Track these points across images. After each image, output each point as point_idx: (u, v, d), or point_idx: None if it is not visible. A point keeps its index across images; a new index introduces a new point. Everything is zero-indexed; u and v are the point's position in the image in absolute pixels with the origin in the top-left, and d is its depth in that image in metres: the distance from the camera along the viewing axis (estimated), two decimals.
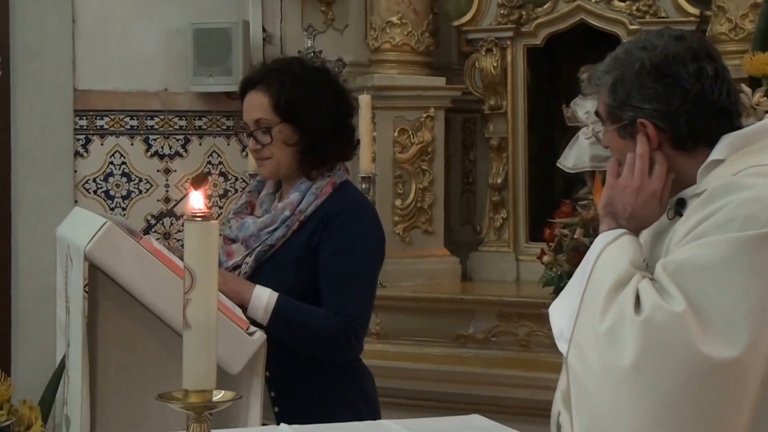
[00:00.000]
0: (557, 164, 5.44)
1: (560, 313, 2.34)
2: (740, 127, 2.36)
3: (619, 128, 2.38)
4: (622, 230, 2.34)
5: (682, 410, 2.12)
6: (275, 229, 3.22)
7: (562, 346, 2.30)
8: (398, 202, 5.55)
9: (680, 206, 2.35)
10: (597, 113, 2.45)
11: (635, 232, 2.36)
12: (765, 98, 4.57)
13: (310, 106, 3.21)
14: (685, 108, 2.31)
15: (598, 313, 2.21)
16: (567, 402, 2.27)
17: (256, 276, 3.21)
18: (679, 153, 2.35)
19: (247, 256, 3.24)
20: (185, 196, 2.03)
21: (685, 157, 2.35)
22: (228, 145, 5.94)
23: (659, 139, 2.34)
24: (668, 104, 2.32)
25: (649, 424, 2.13)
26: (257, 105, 3.24)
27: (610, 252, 2.29)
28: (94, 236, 2.76)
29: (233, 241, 3.30)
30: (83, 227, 2.91)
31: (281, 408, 3.19)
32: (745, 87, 4.60)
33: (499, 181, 5.60)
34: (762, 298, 2.14)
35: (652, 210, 2.35)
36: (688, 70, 2.32)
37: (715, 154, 2.32)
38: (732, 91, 2.36)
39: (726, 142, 2.32)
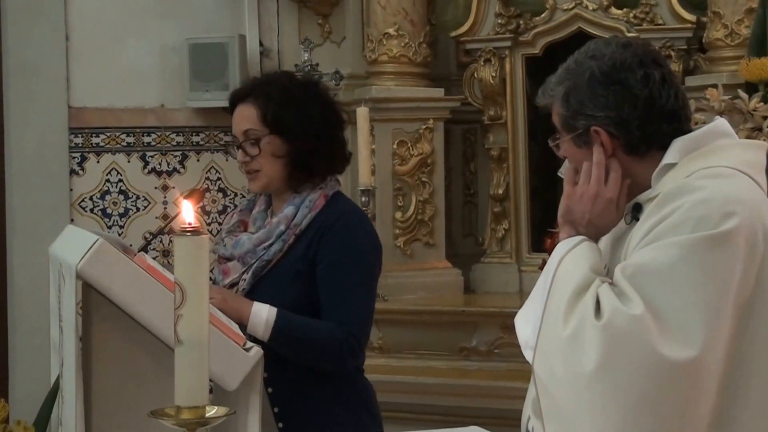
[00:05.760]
0: (558, 174, 5.39)
1: (525, 322, 2.41)
2: (690, 130, 2.43)
3: (574, 138, 2.45)
4: (581, 237, 2.41)
5: (645, 412, 2.18)
6: (271, 244, 3.21)
7: (528, 355, 2.36)
8: (398, 215, 5.53)
9: (637, 211, 2.42)
10: (552, 124, 2.51)
11: (594, 238, 2.43)
12: (761, 103, 4.56)
13: (298, 118, 3.21)
14: (636, 114, 2.38)
15: (561, 320, 2.28)
16: (537, 409, 2.33)
17: (254, 292, 3.20)
18: (633, 158, 2.42)
19: (244, 272, 3.23)
20: (179, 213, 2.01)
21: (638, 162, 2.42)
22: (226, 160, 5.91)
23: (613, 146, 2.41)
24: (619, 111, 2.39)
25: (614, 427, 2.19)
26: (246, 116, 3.25)
27: (570, 259, 2.36)
28: (86, 254, 2.73)
29: (228, 259, 3.28)
30: (75, 245, 2.88)
31: (285, 424, 3.19)
32: (741, 92, 4.59)
33: (501, 191, 5.58)
34: (716, 297, 2.21)
35: (609, 216, 2.43)
36: (635, 77, 2.39)
37: (668, 158, 2.40)
38: (680, 95, 2.44)
39: (677, 145, 2.40)
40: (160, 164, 5.90)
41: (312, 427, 3.17)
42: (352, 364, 3.22)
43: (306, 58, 5.76)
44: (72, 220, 5.65)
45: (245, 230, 3.33)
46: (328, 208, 3.23)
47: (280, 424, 3.17)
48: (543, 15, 5.51)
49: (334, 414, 3.20)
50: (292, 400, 3.18)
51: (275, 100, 3.21)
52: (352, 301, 3.18)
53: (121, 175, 5.85)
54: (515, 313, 2.50)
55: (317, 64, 5.76)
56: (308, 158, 3.22)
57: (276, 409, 3.16)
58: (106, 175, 5.84)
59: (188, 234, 1.92)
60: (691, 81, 4.97)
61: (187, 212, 1.95)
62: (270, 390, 3.14)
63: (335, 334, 3.13)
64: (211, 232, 5.71)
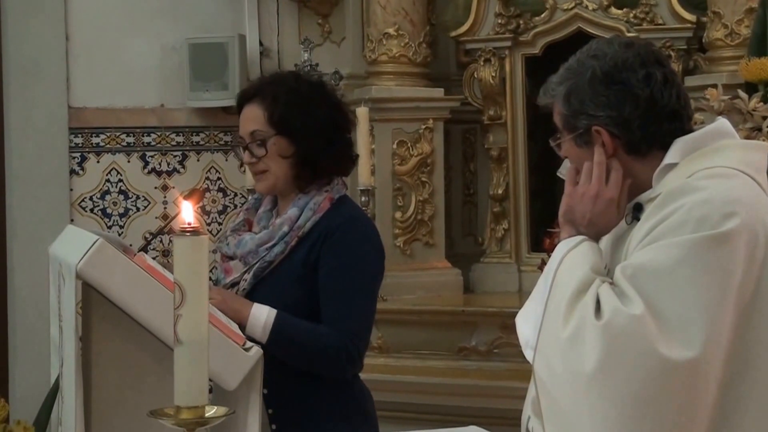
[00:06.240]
0: (557, 174, 5.39)
1: (526, 321, 2.41)
2: (692, 130, 2.43)
3: (575, 137, 2.44)
4: (581, 237, 2.41)
5: (645, 412, 2.18)
6: (273, 246, 3.19)
7: (528, 355, 2.36)
8: (398, 215, 5.53)
9: (638, 211, 2.42)
10: (553, 124, 2.50)
11: (595, 238, 2.42)
12: (761, 103, 4.56)
13: (305, 119, 3.19)
14: (637, 113, 2.38)
15: (561, 319, 2.27)
16: (537, 409, 2.33)
17: (255, 293, 3.19)
18: (634, 158, 2.42)
19: (245, 272, 3.21)
20: (179, 213, 2.02)
21: (639, 162, 2.42)
22: (226, 160, 5.92)
23: (614, 146, 2.41)
24: (620, 110, 2.38)
25: (614, 427, 2.18)
26: (252, 117, 3.22)
27: (570, 259, 2.36)
28: (85, 254, 2.73)
29: (231, 258, 3.27)
30: (75, 245, 2.88)
31: (278, 426, 3.17)
32: (741, 92, 4.58)
33: (500, 191, 5.58)
34: (716, 297, 2.21)
35: (610, 216, 2.42)
36: (637, 76, 2.39)
37: (669, 158, 2.39)
38: (681, 95, 2.43)
39: (678, 145, 2.39)
40: (160, 164, 5.90)
41: (305, 429, 3.15)
42: (351, 371, 3.21)
43: (306, 58, 5.76)
44: (72, 220, 5.65)
45: (250, 229, 3.32)
46: (332, 212, 3.20)
47: (274, 426, 3.16)
48: (543, 15, 5.51)
49: (329, 418, 3.19)
50: (287, 403, 3.16)
51: (282, 101, 3.19)
52: (353, 308, 3.16)
53: (121, 175, 5.85)
54: (515, 313, 2.50)
55: (317, 64, 5.76)
56: (314, 158, 3.20)
57: (270, 411, 3.15)
58: (106, 175, 5.84)
59: (188, 234, 1.91)
60: (691, 81, 4.97)
61: (187, 212, 1.95)
62: (265, 391, 3.09)
63: (335, 340, 3.10)
64: (211, 232, 5.71)
